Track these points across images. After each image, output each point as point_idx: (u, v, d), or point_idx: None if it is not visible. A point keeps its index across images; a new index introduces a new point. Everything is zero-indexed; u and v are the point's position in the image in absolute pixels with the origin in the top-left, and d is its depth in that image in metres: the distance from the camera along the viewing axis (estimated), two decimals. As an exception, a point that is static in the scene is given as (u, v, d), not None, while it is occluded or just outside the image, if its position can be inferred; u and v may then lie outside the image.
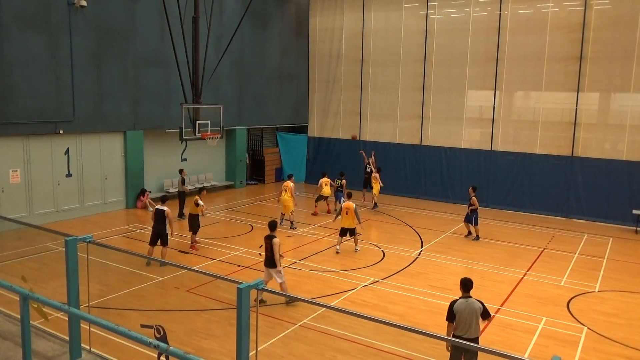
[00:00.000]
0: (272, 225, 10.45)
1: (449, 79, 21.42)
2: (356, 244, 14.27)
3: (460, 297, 7.11)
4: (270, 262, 10.17)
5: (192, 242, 13.95)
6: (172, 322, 9.18)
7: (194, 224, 13.84)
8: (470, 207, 15.70)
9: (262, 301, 10.00)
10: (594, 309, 10.65)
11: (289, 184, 16.72)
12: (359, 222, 14.11)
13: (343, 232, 14.03)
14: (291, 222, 16.45)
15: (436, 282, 11.96)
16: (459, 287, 7.24)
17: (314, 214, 18.56)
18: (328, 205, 19.03)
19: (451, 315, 7.02)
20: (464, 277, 7.28)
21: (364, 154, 20.92)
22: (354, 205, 14.02)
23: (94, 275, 10.53)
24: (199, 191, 14.41)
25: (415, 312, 10.19)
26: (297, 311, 9.81)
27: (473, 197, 15.65)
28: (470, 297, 7.10)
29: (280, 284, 10.17)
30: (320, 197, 18.68)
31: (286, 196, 16.43)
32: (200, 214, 13.85)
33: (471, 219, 15.78)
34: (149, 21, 18.13)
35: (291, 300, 10.14)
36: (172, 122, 18.62)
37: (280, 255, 10.28)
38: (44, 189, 16.04)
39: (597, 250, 15.13)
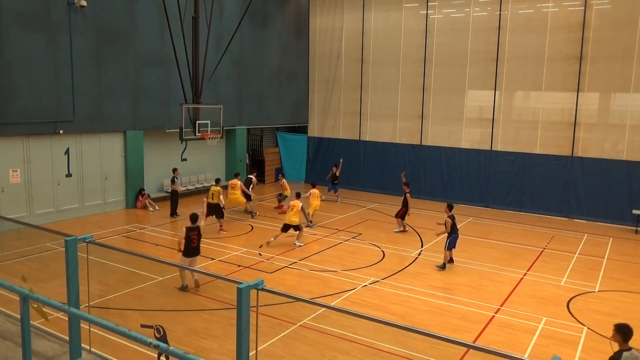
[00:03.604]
0: (194, 218, 11.01)
1: (449, 79, 21.42)
2: (298, 239, 14.79)
3: (622, 350, 5.76)
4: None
5: (220, 226, 15.84)
6: (172, 322, 9.18)
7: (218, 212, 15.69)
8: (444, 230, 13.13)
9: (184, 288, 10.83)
10: (594, 309, 10.65)
11: (237, 182, 17.69)
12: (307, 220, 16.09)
13: (285, 227, 14.66)
14: (251, 212, 17.97)
15: (436, 282, 11.96)
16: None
17: (278, 208, 19.14)
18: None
19: None
20: (622, 323, 5.88)
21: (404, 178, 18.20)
22: (301, 204, 14.81)
23: (94, 275, 10.55)
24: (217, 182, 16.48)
25: (415, 312, 10.19)
26: (297, 311, 9.81)
27: (447, 218, 13.04)
28: (632, 348, 5.77)
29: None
30: (282, 196, 19.31)
31: (235, 194, 17.52)
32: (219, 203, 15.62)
33: (447, 243, 13.03)
34: (149, 21, 18.13)
35: None
36: (172, 122, 18.62)
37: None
38: (44, 189, 16.04)
39: (597, 250, 15.12)
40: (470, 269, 13.03)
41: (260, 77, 23.42)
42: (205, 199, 13.82)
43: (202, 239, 10.46)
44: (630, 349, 5.72)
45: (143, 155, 18.85)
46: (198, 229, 10.88)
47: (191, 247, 10.77)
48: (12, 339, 6.26)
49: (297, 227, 14.68)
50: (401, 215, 16.43)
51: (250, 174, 18.60)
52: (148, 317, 9.38)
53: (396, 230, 16.48)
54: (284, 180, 19.64)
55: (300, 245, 14.46)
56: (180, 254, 10.82)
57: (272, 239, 14.44)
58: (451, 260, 13.29)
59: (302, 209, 14.95)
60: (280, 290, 5.54)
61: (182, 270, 10.89)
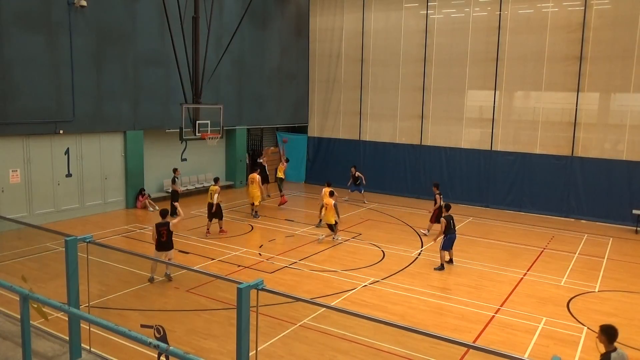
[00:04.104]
0: (164, 213, 11.47)
1: (449, 79, 21.42)
2: (321, 236, 15.16)
3: (609, 351, 5.77)
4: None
5: (220, 228, 15.62)
6: (172, 322, 9.18)
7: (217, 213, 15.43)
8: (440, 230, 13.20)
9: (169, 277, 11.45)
10: (594, 309, 10.65)
11: (255, 176, 17.97)
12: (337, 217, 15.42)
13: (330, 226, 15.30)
14: (255, 212, 17.97)
15: (436, 282, 11.96)
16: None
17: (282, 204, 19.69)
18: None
19: None
20: (607, 325, 5.91)
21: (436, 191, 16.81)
22: (333, 201, 15.06)
23: (94, 275, 10.55)
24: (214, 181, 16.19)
25: (415, 312, 10.19)
26: (297, 311, 9.81)
27: (442, 218, 13.20)
28: (617, 348, 5.81)
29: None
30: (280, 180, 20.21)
31: (253, 188, 17.79)
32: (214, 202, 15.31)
33: (442, 243, 13.10)
34: (149, 21, 18.13)
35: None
36: (172, 122, 18.62)
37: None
38: (44, 189, 16.04)
39: (597, 250, 15.12)
40: (470, 269, 13.03)
41: (260, 77, 23.42)
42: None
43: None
44: (615, 349, 5.79)
45: (143, 155, 18.84)
46: (167, 224, 11.22)
47: (161, 242, 11.19)
48: (12, 339, 6.26)
49: (331, 227, 15.07)
50: (434, 218, 16.11)
51: (256, 162, 20.39)
52: (148, 317, 9.38)
53: (422, 232, 16.50)
54: (286, 164, 20.07)
55: (320, 240, 14.87)
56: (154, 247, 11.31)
57: (322, 236, 15.11)
58: (450, 261, 13.29)
59: (335, 206, 14.99)
60: (280, 290, 5.55)
61: (153, 263, 11.27)
